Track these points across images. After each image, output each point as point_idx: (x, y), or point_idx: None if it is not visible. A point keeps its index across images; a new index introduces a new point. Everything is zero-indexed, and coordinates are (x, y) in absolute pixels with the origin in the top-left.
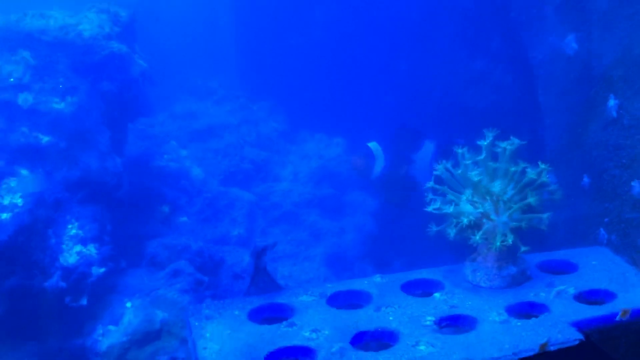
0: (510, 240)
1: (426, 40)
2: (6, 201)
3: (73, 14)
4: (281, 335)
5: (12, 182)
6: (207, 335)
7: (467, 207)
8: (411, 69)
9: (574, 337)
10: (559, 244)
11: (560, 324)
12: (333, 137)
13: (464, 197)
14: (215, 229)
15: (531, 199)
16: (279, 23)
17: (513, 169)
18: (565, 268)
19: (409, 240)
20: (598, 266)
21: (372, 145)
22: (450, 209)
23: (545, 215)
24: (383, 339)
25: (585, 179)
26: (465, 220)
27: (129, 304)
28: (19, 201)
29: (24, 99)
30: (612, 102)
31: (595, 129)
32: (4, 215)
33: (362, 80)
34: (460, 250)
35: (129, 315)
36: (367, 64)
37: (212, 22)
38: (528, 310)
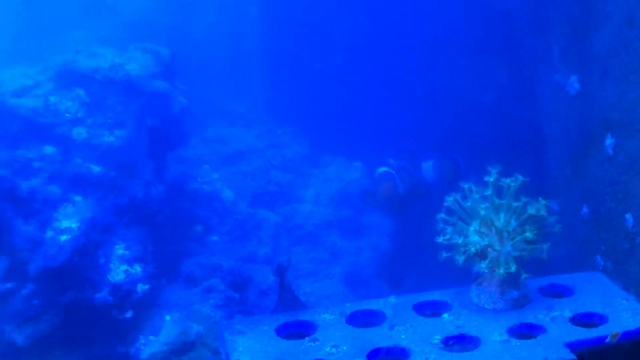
0: (512, 268)
1: (442, 71)
2: (64, 225)
3: (120, 53)
4: (305, 351)
5: (69, 208)
6: (240, 348)
7: (474, 238)
8: (426, 97)
9: (568, 357)
10: (559, 268)
11: (556, 345)
12: (352, 161)
13: (471, 228)
14: (244, 248)
15: (530, 233)
16: (302, 52)
17: (515, 204)
18: (563, 292)
19: (420, 261)
20: (593, 291)
21: (388, 170)
22: (459, 240)
23: (545, 246)
24: (396, 355)
25: (585, 209)
26: (472, 250)
27: (167, 317)
28: (75, 225)
29: (78, 132)
30: (609, 141)
31: (594, 164)
32: (63, 238)
33: (380, 107)
34: (467, 272)
35: (168, 328)
36: (384, 92)
37: (240, 50)
38: (527, 331)
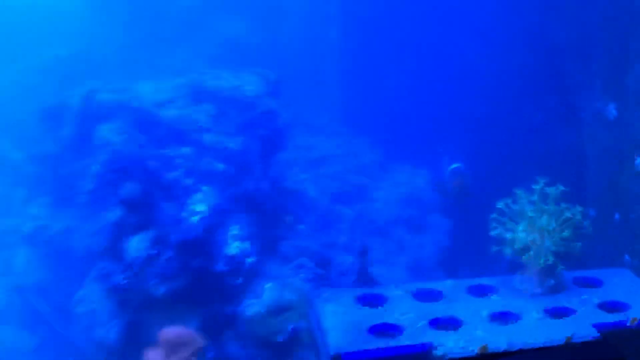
0: (550, 260)
1: (499, 93)
2: (197, 209)
3: (237, 75)
4: (379, 316)
5: (199, 196)
6: (327, 312)
7: (521, 235)
8: (485, 117)
9: (593, 335)
10: (593, 264)
11: (584, 324)
12: (418, 169)
13: (519, 227)
14: (326, 236)
15: (567, 232)
16: (376, 72)
17: (556, 208)
18: (594, 283)
19: (474, 255)
20: (620, 283)
21: (460, 166)
22: (508, 236)
23: (578, 244)
24: (451, 324)
25: (617, 216)
26: (519, 244)
27: (267, 286)
28: (204, 209)
29: (208, 138)
30: (638, 161)
31: (626, 179)
32: (195, 218)
33: (444, 123)
34: (512, 264)
35: (267, 294)
36: (447, 110)
37: (322, 69)
38: (561, 312)
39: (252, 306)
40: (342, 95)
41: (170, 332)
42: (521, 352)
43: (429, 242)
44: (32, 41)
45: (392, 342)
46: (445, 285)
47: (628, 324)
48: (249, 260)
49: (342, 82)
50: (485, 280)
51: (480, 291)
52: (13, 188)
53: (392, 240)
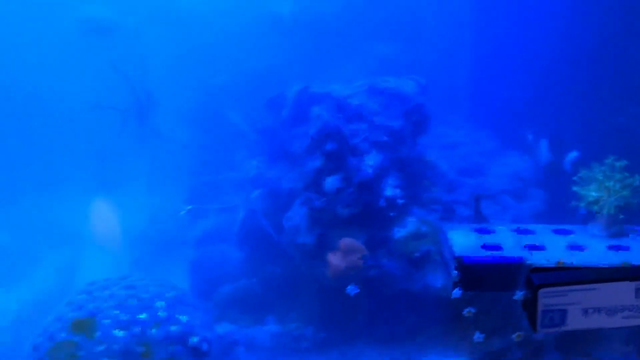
0: (613, 211)
1: (587, 96)
2: (369, 163)
3: (399, 80)
4: (487, 239)
5: (371, 156)
6: (453, 237)
7: (592, 193)
8: (578, 116)
9: None
10: None
11: (636, 256)
12: (523, 155)
13: (592, 187)
14: (452, 196)
15: (626, 192)
16: (495, 76)
17: (618, 175)
18: None
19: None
20: None
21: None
22: (583, 192)
23: (635, 200)
24: (539, 248)
25: None
26: (591, 199)
27: (410, 220)
28: (373, 163)
29: (378, 119)
30: None
31: None
32: (368, 169)
33: (545, 120)
34: (587, 216)
35: (410, 225)
36: (549, 109)
37: (454, 75)
38: (619, 249)
39: (399, 232)
40: (467, 97)
41: (346, 241)
42: (587, 268)
43: (526, 208)
44: (240, 55)
45: (496, 254)
46: (537, 227)
47: None
48: (400, 201)
49: (467, 86)
50: (566, 226)
51: (562, 232)
52: (237, 150)
53: (497, 203)
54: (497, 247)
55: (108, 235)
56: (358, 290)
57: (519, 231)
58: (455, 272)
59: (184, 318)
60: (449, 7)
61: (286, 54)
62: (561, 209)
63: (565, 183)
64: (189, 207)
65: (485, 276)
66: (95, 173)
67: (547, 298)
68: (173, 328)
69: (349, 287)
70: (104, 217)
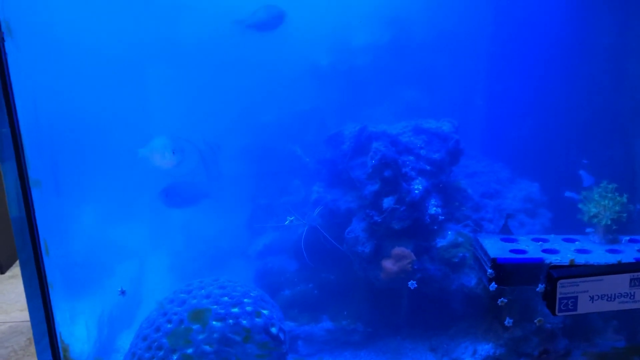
0: (609, 222)
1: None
2: (416, 187)
3: (438, 121)
4: (513, 246)
5: (417, 181)
6: (485, 244)
7: (592, 209)
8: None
9: (634, 261)
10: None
11: (628, 257)
12: (533, 182)
13: (591, 205)
14: (478, 215)
15: (617, 207)
16: (511, 114)
17: (611, 194)
18: (636, 240)
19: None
20: None
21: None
22: (586, 209)
23: (624, 215)
24: (552, 252)
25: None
26: (591, 214)
27: (449, 233)
28: (420, 187)
29: (422, 152)
30: None
31: None
32: (416, 191)
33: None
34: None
35: (449, 237)
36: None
37: (470, 107)
38: (615, 252)
39: (441, 242)
40: (486, 133)
41: (398, 250)
42: (593, 265)
43: (538, 222)
44: (284, 97)
45: (522, 256)
46: (550, 236)
47: None
48: (440, 218)
49: (487, 125)
50: (572, 236)
51: (569, 240)
52: (293, 177)
53: (517, 220)
54: (522, 252)
55: (173, 248)
56: (416, 285)
57: (537, 240)
58: (491, 270)
59: (266, 312)
60: (466, 55)
61: (324, 98)
62: (563, 223)
63: (566, 204)
64: (291, 217)
65: (514, 273)
66: (168, 195)
67: (564, 287)
68: (257, 320)
69: (409, 282)
70: (170, 232)
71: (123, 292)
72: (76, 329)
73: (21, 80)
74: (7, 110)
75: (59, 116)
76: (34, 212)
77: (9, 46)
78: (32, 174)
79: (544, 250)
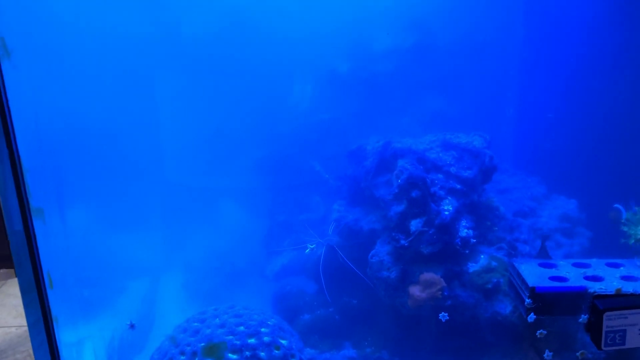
0: None
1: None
2: (446, 208)
3: (468, 135)
4: (553, 272)
5: (447, 201)
6: (522, 270)
7: (639, 232)
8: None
9: None
10: None
11: None
12: (570, 199)
13: (638, 227)
14: (512, 235)
15: None
16: (544, 127)
17: None
18: None
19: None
20: None
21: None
22: (632, 232)
23: None
24: (597, 279)
25: None
26: (638, 237)
27: (482, 257)
28: (450, 208)
29: (452, 170)
30: None
31: None
32: (446, 213)
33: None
34: (634, 250)
35: (481, 261)
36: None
37: (501, 125)
38: None
39: (473, 267)
40: (518, 145)
41: (426, 275)
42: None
43: (577, 244)
44: (300, 107)
45: (563, 284)
46: (592, 260)
47: None
48: (472, 240)
49: (518, 135)
50: (616, 260)
51: (613, 265)
52: (313, 193)
53: (552, 240)
54: (563, 279)
55: (187, 265)
56: (448, 317)
57: (578, 265)
58: (529, 300)
59: (285, 342)
60: (496, 60)
61: (344, 106)
62: (603, 245)
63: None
64: (312, 245)
65: (555, 303)
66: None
67: (611, 320)
68: (276, 352)
69: (440, 314)
70: (184, 248)
71: (132, 326)
72: (85, 355)
73: (20, 101)
74: (5, 137)
75: (61, 137)
76: (36, 244)
77: (5, 67)
78: (34, 202)
79: (587, 278)
